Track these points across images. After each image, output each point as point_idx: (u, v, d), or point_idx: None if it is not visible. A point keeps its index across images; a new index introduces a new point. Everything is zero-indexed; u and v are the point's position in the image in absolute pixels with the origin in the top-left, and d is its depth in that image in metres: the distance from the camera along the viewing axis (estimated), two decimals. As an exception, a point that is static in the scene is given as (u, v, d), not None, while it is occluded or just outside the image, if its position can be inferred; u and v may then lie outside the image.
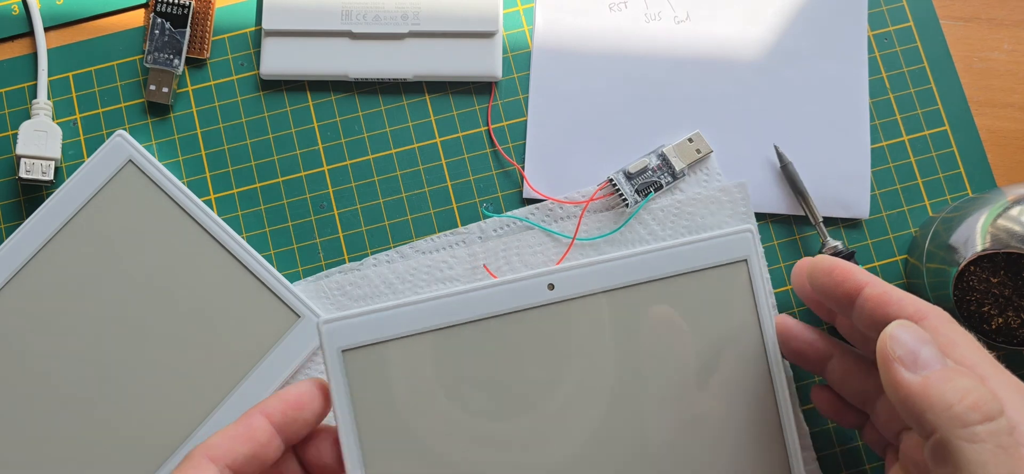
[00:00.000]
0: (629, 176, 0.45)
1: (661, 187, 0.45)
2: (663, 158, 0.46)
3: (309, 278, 0.45)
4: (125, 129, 0.46)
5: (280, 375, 0.43)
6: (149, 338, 0.44)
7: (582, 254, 0.45)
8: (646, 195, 0.45)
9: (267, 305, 0.44)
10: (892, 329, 0.31)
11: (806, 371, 0.43)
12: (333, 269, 0.45)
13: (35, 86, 0.47)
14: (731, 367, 0.38)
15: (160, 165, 0.45)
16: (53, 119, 0.46)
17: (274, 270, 0.44)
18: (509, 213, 0.46)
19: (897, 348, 0.31)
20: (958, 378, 0.30)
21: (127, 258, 0.44)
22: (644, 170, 0.45)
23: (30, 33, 0.48)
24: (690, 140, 0.46)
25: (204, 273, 0.44)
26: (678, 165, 0.45)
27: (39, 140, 0.45)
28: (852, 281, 0.35)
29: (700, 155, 0.46)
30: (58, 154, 0.45)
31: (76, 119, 0.47)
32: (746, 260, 0.38)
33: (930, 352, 0.30)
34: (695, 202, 0.45)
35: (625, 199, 0.45)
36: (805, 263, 0.39)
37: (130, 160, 0.45)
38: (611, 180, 0.45)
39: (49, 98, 0.47)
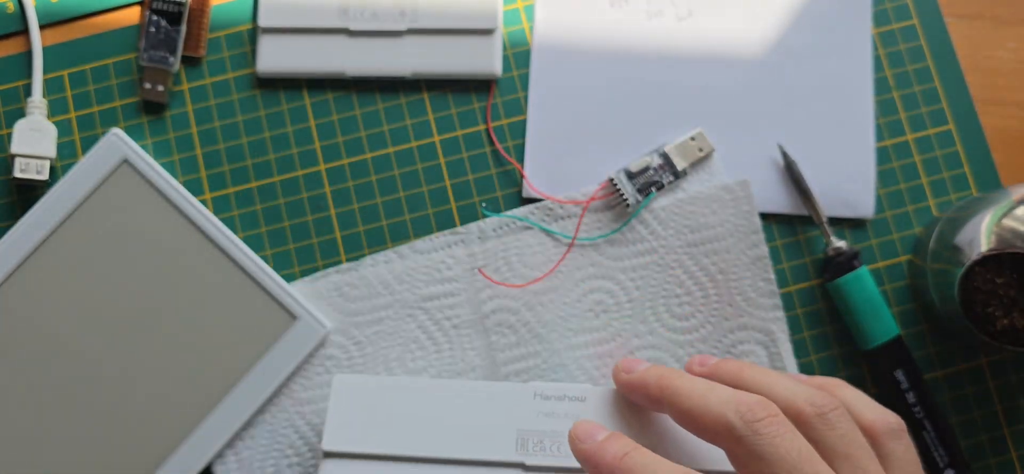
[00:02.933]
0: (630, 175, 0.45)
1: (663, 186, 0.45)
2: (665, 157, 0.45)
3: (306, 279, 0.45)
4: (120, 128, 0.46)
5: (276, 377, 0.43)
6: (144, 339, 0.43)
7: (582, 254, 0.44)
8: (647, 195, 0.45)
9: (263, 306, 0.43)
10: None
11: None
12: (330, 269, 0.45)
13: (30, 84, 0.46)
14: None
15: (155, 164, 0.44)
16: (48, 118, 0.46)
17: (270, 271, 0.44)
18: (508, 213, 0.45)
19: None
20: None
21: (122, 258, 0.44)
22: (646, 169, 0.45)
23: (25, 31, 0.47)
24: (692, 139, 0.45)
25: (199, 273, 0.44)
26: (680, 164, 0.45)
27: (34, 139, 0.45)
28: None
29: (702, 154, 0.45)
30: (53, 153, 0.45)
31: (71, 118, 0.46)
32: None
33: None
34: (697, 201, 0.45)
35: (626, 199, 0.44)
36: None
37: (125, 159, 0.44)
38: (612, 179, 0.45)
39: (44, 96, 0.46)
